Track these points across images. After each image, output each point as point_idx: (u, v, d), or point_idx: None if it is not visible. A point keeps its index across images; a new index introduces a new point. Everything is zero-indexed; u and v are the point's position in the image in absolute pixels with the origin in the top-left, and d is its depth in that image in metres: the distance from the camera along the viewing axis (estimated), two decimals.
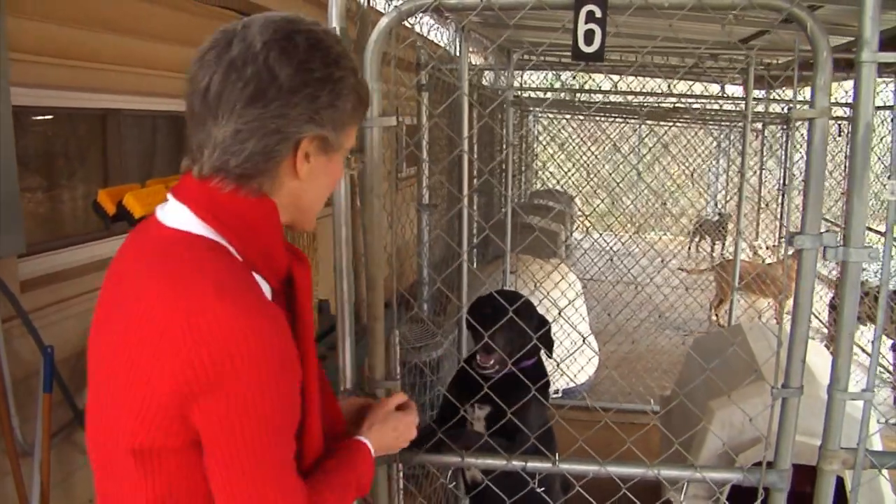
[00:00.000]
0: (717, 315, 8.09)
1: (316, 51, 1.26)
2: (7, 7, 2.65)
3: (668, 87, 7.95)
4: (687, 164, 11.05)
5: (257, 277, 1.26)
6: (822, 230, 1.82)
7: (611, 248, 7.50)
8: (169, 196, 1.31)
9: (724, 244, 11.56)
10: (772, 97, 7.55)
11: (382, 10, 1.98)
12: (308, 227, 1.41)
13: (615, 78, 7.95)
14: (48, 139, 3.35)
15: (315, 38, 1.27)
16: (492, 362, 2.51)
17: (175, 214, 1.27)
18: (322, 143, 1.30)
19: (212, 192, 1.26)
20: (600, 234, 7.96)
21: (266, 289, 1.27)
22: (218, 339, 1.13)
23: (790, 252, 1.94)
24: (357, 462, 1.48)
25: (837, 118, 7.59)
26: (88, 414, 1.30)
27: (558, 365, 2.63)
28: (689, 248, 12.10)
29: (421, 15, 4.16)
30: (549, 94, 8.97)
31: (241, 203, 1.26)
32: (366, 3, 2.10)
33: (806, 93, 1.93)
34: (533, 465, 2.14)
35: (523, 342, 2.49)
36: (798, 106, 1.80)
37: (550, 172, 10.98)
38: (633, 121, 10.26)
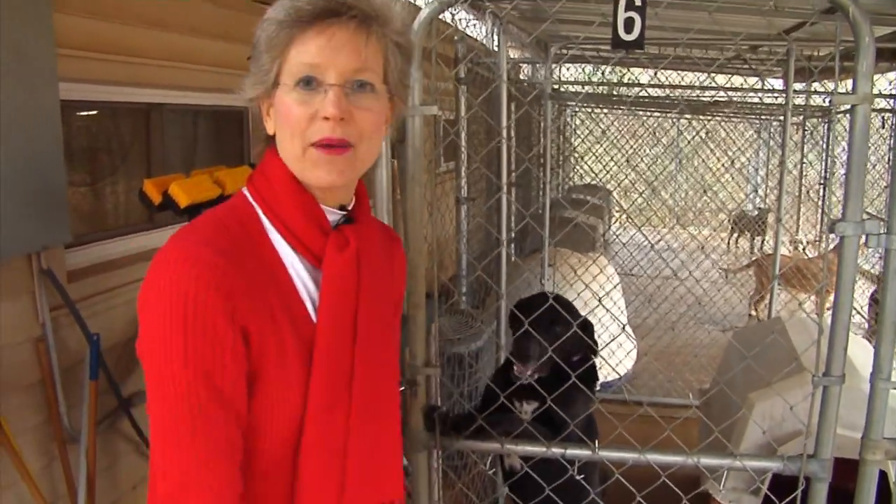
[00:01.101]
0: (756, 310, 8.00)
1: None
2: (54, 3, 2.71)
3: (708, 79, 7.87)
4: (727, 157, 10.94)
5: (288, 250, 1.22)
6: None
7: (650, 242, 7.46)
8: None
9: (763, 239, 11.42)
10: (812, 90, 7.43)
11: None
12: (325, 175, 1.22)
13: (653, 72, 7.90)
14: (94, 133, 3.41)
15: None
16: (529, 372, 2.47)
17: None
18: (265, 96, 1.25)
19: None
20: (638, 229, 7.90)
21: (295, 259, 1.23)
22: (147, 279, 1.13)
23: (831, 241, 1.92)
24: None
25: (881, 110, 7.48)
26: None
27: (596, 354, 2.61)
28: (728, 243, 11.99)
29: (458, 9, 4.17)
30: (587, 88, 8.94)
31: (264, 162, 1.28)
32: None
33: (848, 85, 1.91)
34: (572, 452, 2.13)
35: (564, 345, 2.44)
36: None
37: (589, 166, 10.93)
38: (671, 115, 10.18)
